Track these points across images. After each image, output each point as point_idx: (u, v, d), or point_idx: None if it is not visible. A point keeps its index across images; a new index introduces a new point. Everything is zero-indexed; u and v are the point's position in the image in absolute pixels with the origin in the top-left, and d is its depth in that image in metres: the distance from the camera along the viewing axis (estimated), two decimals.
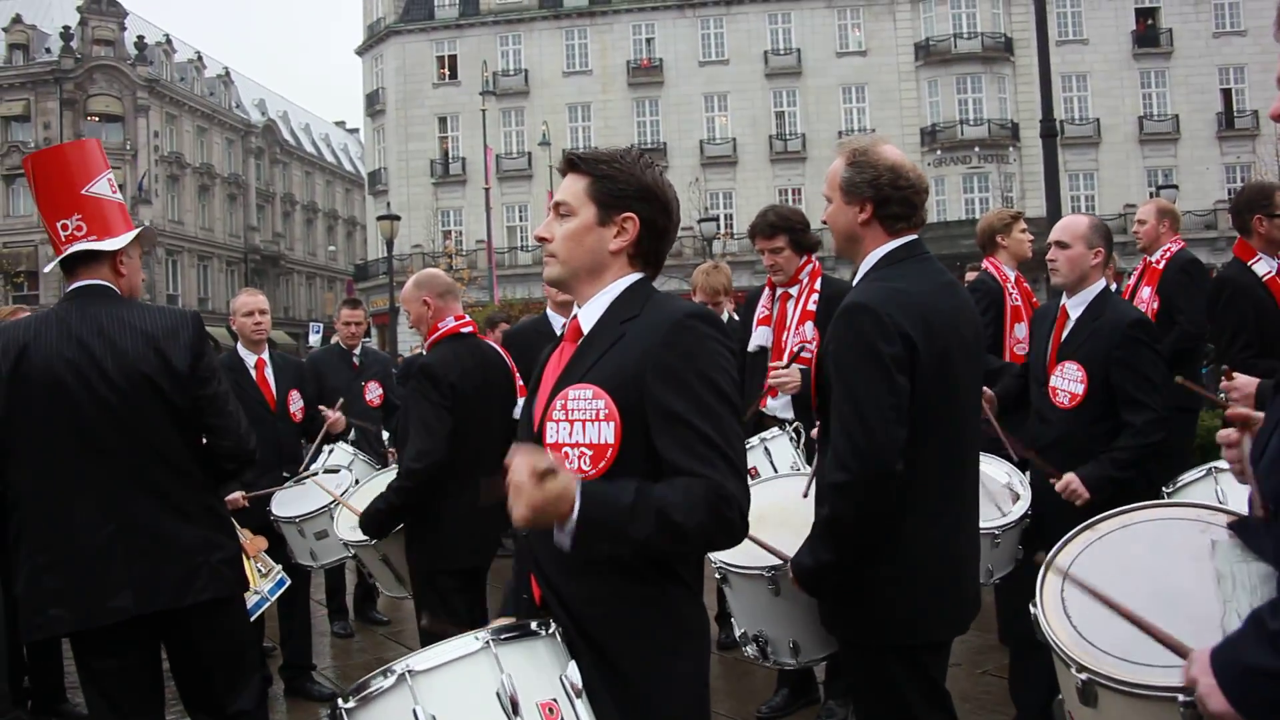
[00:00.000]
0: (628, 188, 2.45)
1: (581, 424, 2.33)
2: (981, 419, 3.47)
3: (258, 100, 67.35)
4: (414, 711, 2.06)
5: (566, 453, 2.33)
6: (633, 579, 2.31)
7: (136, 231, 3.82)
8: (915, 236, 3.20)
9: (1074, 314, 4.42)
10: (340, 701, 2.17)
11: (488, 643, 2.18)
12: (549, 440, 2.36)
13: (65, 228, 3.68)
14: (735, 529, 2.26)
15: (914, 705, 3.06)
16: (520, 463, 2.10)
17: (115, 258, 3.72)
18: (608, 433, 2.30)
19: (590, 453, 2.31)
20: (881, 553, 3.01)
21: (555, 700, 2.14)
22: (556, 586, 2.36)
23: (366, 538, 5.07)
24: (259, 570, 5.02)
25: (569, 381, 2.39)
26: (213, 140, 59.33)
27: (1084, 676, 2.28)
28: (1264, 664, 1.71)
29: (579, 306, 2.52)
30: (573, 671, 2.20)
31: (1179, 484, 4.23)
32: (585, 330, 2.47)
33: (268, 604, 5.09)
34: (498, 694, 2.09)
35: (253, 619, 4.71)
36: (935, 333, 3.00)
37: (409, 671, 2.12)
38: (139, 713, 3.62)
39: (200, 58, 60.82)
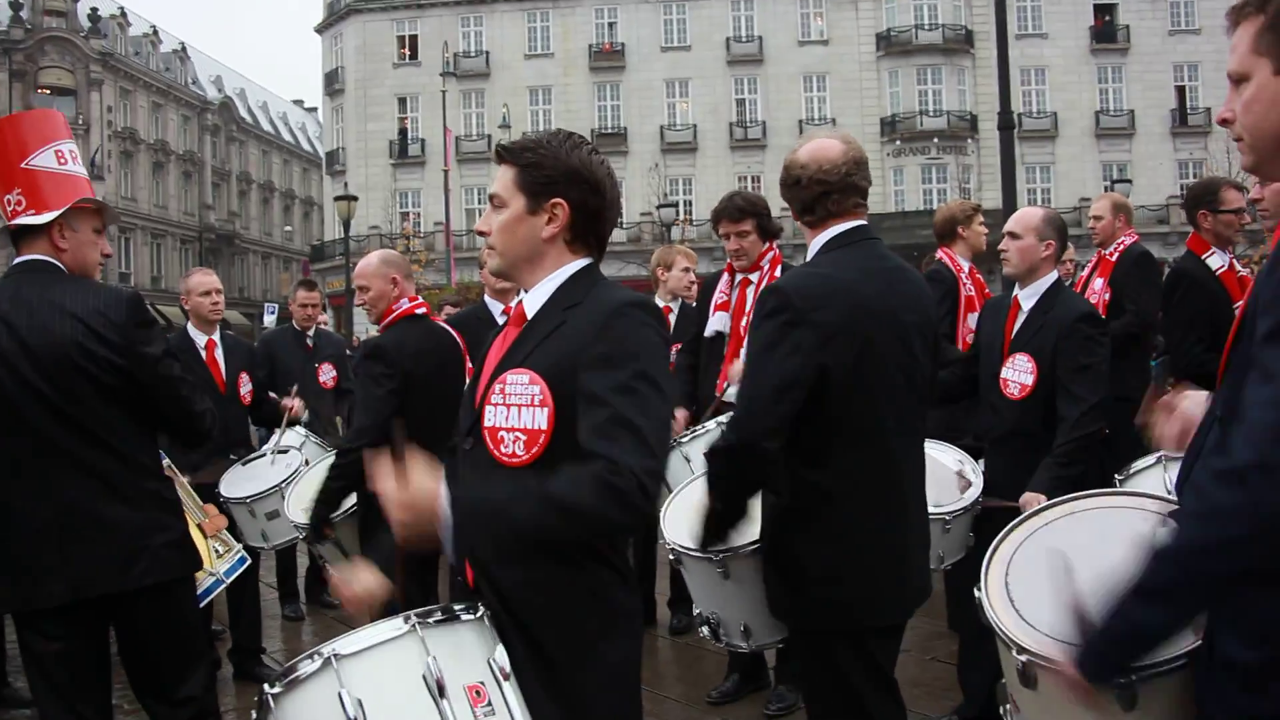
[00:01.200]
0: (554, 173, 2.45)
1: (517, 408, 2.34)
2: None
3: (214, 77, 66.41)
4: (340, 695, 2.05)
5: (502, 436, 2.36)
6: (563, 564, 2.32)
7: (64, 208, 3.62)
8: (853, 224, 3.23)
9: (1026, 306, 4.47)
10: (266, 686, 2.16)
11: (414, 626, 2.18)
12: (487, 423, 2.39)
13: (9, 203, 3.61)
14: (629, 501, 2.12)
15: (860, 690, 3.10)
16: (384, 477, 2.17)
17: (52, 232, 3.59)
18: (541, 418, 2.31)
19: (524, 437, 2.33)
20: (822, 539, 3.08)
21: (482, 683, 2.15)
22: (488, 570, 2.37)
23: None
24: (216, 550, 4.92)
25: (509, 366, 2.41)
26: (168, 116, 58.47)
27: (1024, 658, 2.33)
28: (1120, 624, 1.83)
29: (524, 293, 2.53)
30: (500, 655, 2.21)
31: (1130, 471, 4.28)
32: (529, 316, 2.48)
33: (223, 585, 4.97)
34: (424, 677, 2.09)
35: (207, 601, 4.65)
36: (856, 317, 3.06)
37: (335, 655, 2.11)
38: (83, 696, 3.54)
39: (156, 32, 59.84)
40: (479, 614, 2.28)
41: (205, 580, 4.58)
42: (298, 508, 5.41)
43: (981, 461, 4.44)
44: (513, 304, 2.61)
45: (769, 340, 3.05)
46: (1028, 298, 4.47)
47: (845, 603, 3.08)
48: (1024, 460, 4.18)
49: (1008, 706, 2.60)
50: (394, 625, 2.18)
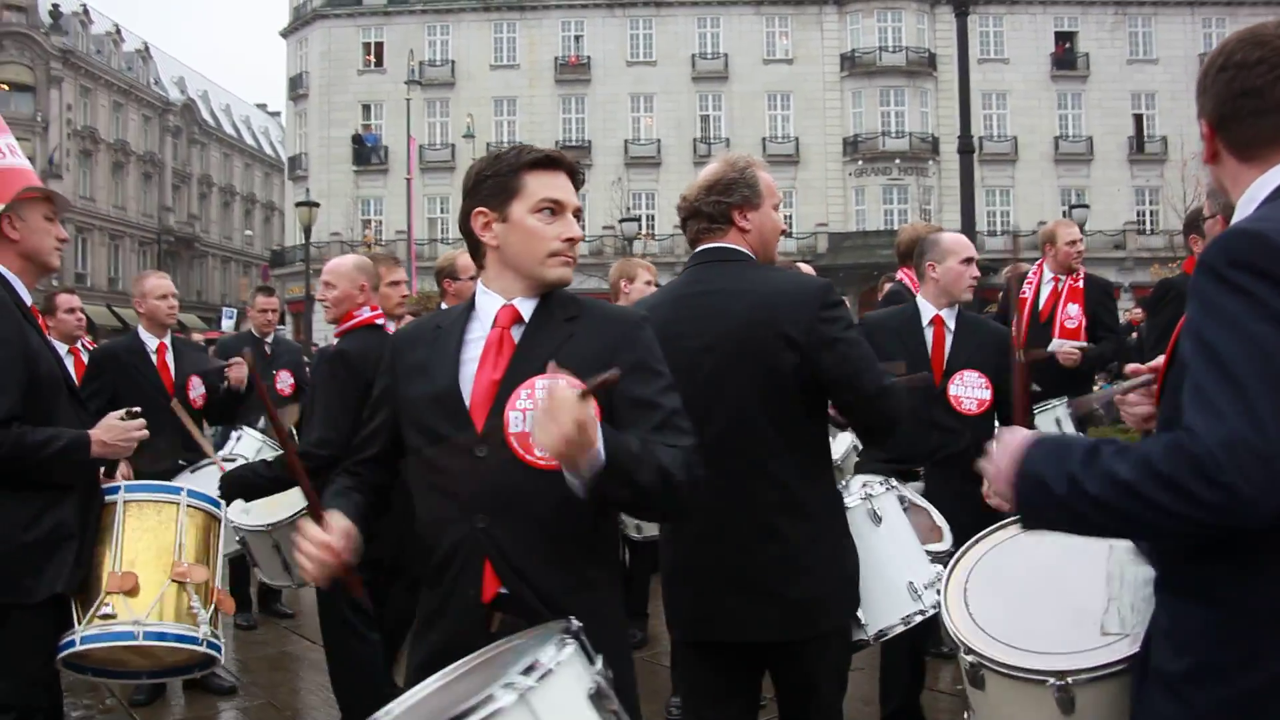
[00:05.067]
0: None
1: None
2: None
3: (177, 78, 65.88)
4: None
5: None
6: (594, 565, 2.48)
7: (9, 201, 3.64)
8: (702, 247, 3.33)
9: (951, 325, 4.75)
10: None
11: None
12: (513, 429, 2.40)
13: None
14: (695, 487, 2.41)
15: (686, 689, 3.43)
16: (561, 385, 2.12)
17: (1, 224, 3.61)
18: None
19: None
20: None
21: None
22: (532, 579, 2.39)
23: (261, 523, 4.98)
24: (102, 609, 3.60)
25: (532, 372, 2.43)
26: (129, 116, 57.92)
27: (971, 659, 2.44)
28: (1055, 486, 1.85)
29: (502, 297, 2.60)
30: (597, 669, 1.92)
31: None
32: (526, 319, 2.56)
33: (75, 648, 3.54)
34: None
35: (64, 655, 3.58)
36: None
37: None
38: None
39: (119, 30, 59.30)
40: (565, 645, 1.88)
41: (96, 628, 3.55)
42: (238, 509, 5.27)
43: (914, 484, 4.40)
44: (490, 308, 2.60)
45: None
46: (950, 317, 4.76)
47: (666, 606, 3.35)
48: (975, 476, 4.26)
49: (968, 714, 2.67)
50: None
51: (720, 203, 3.26)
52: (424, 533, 2.57)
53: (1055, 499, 1.84)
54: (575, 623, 1.93)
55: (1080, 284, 6.97)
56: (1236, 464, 1.63)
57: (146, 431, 3.82)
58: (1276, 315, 1.69)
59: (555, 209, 2.55)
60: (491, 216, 2.57)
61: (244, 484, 4.76)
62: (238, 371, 6.44)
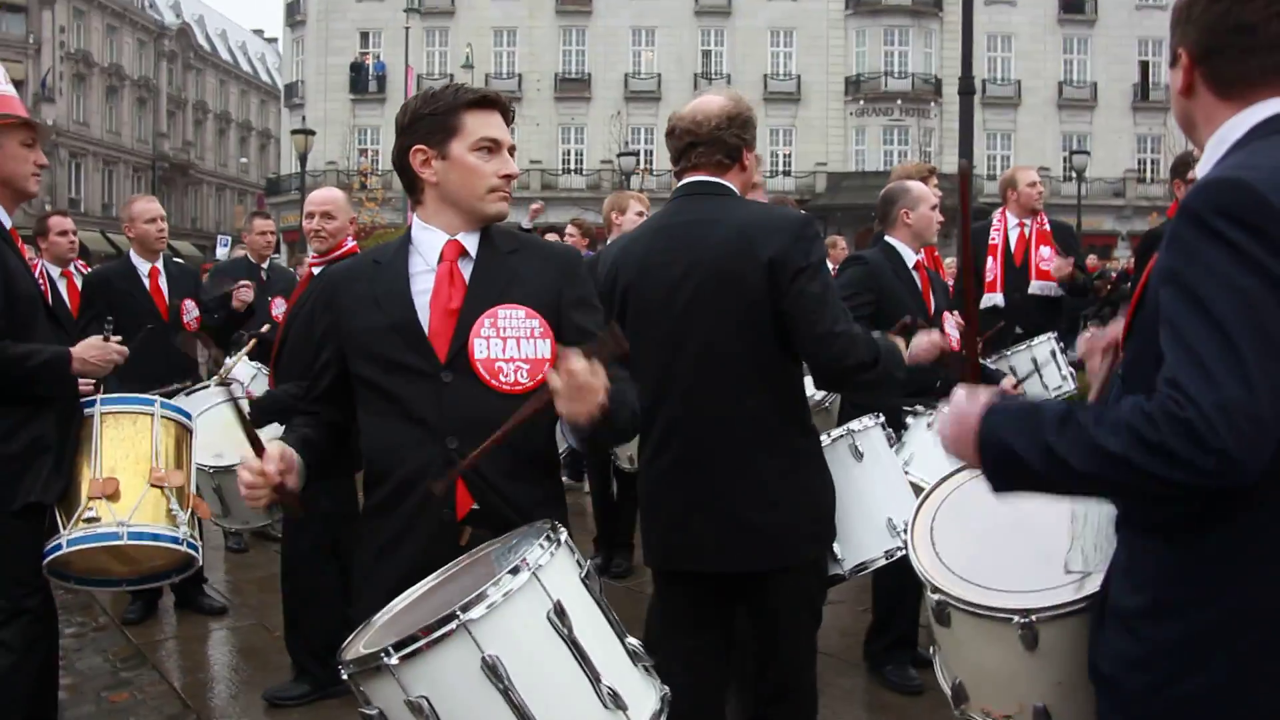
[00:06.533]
0: None
1: (516, 340, 2.56)
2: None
3: (172, 2, 64.95)
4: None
5: (500, 367, 2.54)
6: (550, 479, 2.71)
7: None
8: (697, 178, 3.34)
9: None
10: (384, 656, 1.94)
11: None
12: (478, 355, 2.53)
13: None
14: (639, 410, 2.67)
15: (660, 618, 3.43)
16: (577, 361, 2.20)
17: None
18: (544, 349, 2.56)
19: (528, 366, 2.54)
20: None
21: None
22: (506, 493, 2.54)
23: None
24: (86, 514, 3.78)
25: (491, 301, 2.57)
26: (123, 40, 57.10)
27: (937, 597, 2.44)
28: (1030, 459, 1.81)
29: (447, 233, 2.67)
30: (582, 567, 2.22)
31: None
32: (473, 254, 2.65)
33: (61, 550, 3.74)
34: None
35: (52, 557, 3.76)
36: (615, 271, 3.31)
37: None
38: None
39: None
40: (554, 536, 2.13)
41: (81, 530, 3.75)
42: (210, 454, 5.07)
43: (929, 415, 4.45)
44: (433, 242, 2.65)
45: None
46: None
47: (642, 536, 3.43)
48: None
49: (933, 648, 2.69)
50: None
51: (740, 138, 3.32)
52: (378, 458, 2.62)
53: (1030, 471, 1.82)
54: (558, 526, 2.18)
55: (1046, 226, 7.19)
56: (1231, 428, 1.60)
57: (122, 356, 3.93)
58: (1262, 268, 1.64)
59: (493, 147, 2.63)
60: (431, 154, 2.62)
61: (278, 408, 4.79)
62: (245, 293, 6.50)
